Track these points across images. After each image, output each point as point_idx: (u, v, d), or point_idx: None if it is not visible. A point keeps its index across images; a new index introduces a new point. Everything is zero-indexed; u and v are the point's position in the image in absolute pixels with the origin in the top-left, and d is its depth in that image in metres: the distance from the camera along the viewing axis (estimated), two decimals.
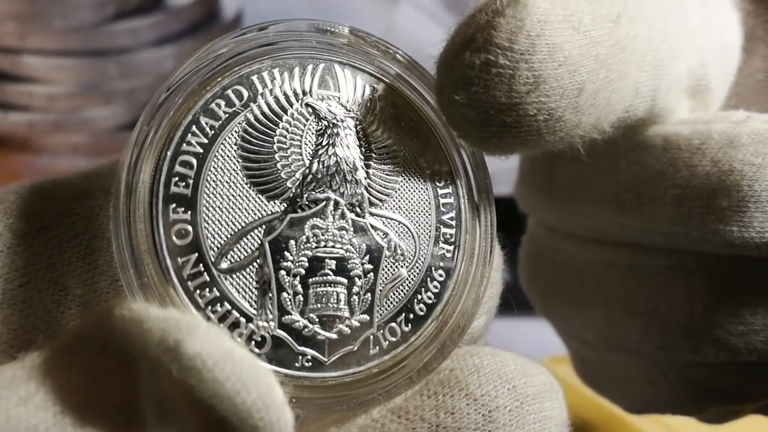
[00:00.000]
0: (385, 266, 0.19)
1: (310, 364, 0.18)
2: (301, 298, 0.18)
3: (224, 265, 0.18)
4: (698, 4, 0.27)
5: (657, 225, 0.25)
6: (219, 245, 0.17)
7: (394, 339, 0.19)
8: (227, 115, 0.18)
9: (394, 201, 0.19)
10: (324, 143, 0.19)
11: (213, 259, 0.17)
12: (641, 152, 0.25)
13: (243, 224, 0.18)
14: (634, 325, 0.27)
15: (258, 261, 0.18)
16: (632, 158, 0.25)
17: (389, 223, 0.19)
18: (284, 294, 0.18)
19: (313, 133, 0.19)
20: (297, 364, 0.18)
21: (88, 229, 0.20)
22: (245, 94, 0.18)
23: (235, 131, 0.18)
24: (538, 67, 0.20)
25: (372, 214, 0.19)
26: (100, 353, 0.17)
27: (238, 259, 0.18)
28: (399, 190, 0.20)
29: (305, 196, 0.18)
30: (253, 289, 0.18)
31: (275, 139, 0.18)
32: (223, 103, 0.18)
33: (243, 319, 0.18)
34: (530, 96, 0.20)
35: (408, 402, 0.19)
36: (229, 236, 0.18)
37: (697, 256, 0.25)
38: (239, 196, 0.18)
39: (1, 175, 0.78)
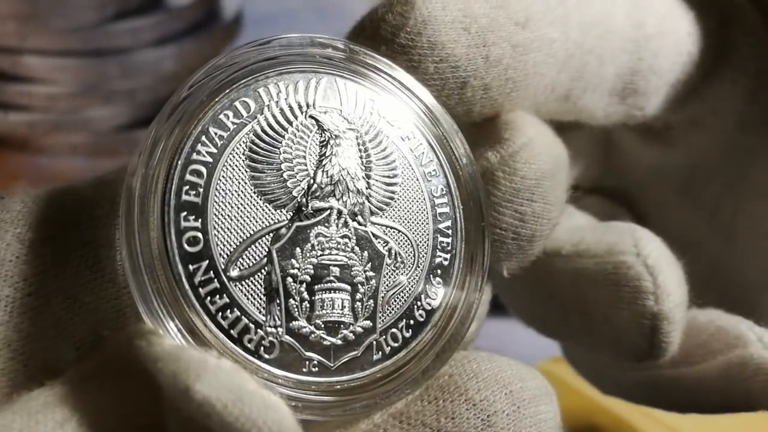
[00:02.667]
0: (387, 273, 0.20)
1: (317, 369, 0.19)
2: (308, 305, 0.19)
3: (234, 272, 0.18)
4: (659, 13, 0.28)
5: None
6: (228, 252, 0.18)
7: (395, 344, 0.20)
8: (235, 126, 0.19)
9: (393, 210, 0.20)
10: (327, 154, 0.20)
11: (223, 267, 0.18)
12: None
13: (251, 232, 0.18)
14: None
15: (266, 268, 0.19)
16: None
17: (389, 231, 0.20)
18: (291, 300, 0.19)
19: (316, 145, 0.20)
20: (304, 369, 0.19)
21: (95, 237, 0.20)
22: (252, 105, 0.19)
23: (243, 142, 0.19)
24: (417, 59, 0.22)
25: (373, 223, 0.20)
26: (126, 377, 0.18)
27: (247, 266, 0.18)
28: (398, 199, 0.20)
29: (310, 205, 0.19)
30: (262, 296, 0.18)
31: (281, 150, 0.19)
32: (231, 114, 0.19)
33: (252, 325, 0.18)
34: None
35: (409, 407, 0.20)
36: (238, 244, 0.18)
37: None
38: (247, 204, 0.19)
39: (1, 175, 0.79)
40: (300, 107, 0.19)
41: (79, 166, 0.78)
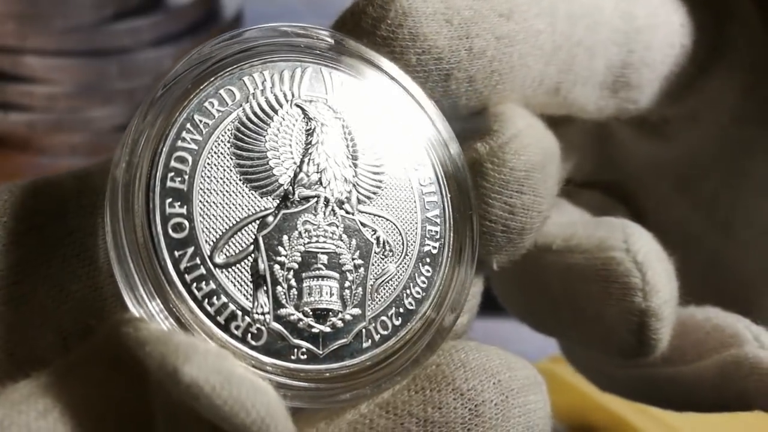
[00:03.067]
0: (375, 261, 0.20)
1: (306, 356, 0.19)
2: (296, 292, 0.19)
3: (220, 258, 0.18)
4: (650, 5, 0.28)
5: None
6: (214, 239, 0.18)
7: (385, 332, 0.20)
8: (220, 114, 0.19)
9: (381, 199, 0.20)
10: (313, 142, 0.20)
11: (209, 253, 0.18)
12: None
13: (237, 219, 0.18)
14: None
15: (252, 255, 0.19)
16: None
17: (377, 220, 0.20)
18: (279, 288, 0.19)
19: (302, 133, 0.20)
20: (293, 357, 0.19)
21: (81, 227, 0.20)
22: (237, 94, 0.19)
23: (228, 129, 0.19)
24: (399, 51, 0.23)
25: (361, 212, 0.20)
26: (113, 367, 0.18)
27: (233, 253, 0.18)
28: (385, 188, 0.21)
29: (297, 193, 0.19)
30: (249, 283, 0.18)
31: (267, 138, 0.19)
32: (216, 102, 0.19)
33: (239, 312, 0.18)
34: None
35: (396, 397, 0.20)
36: (224, 230, 0.18)
37: None
38: (233, 192, 0.19)
39: (1, 175, 0.79)
40: (285, 96, 0.19)
41: (79, 166, 0.78)
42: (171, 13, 0.79)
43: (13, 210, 0.21)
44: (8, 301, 0.20)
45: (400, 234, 0.21)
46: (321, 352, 0.19)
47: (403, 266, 0.20)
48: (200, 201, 0.18)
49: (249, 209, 0.19)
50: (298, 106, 0.19)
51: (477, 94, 0.24)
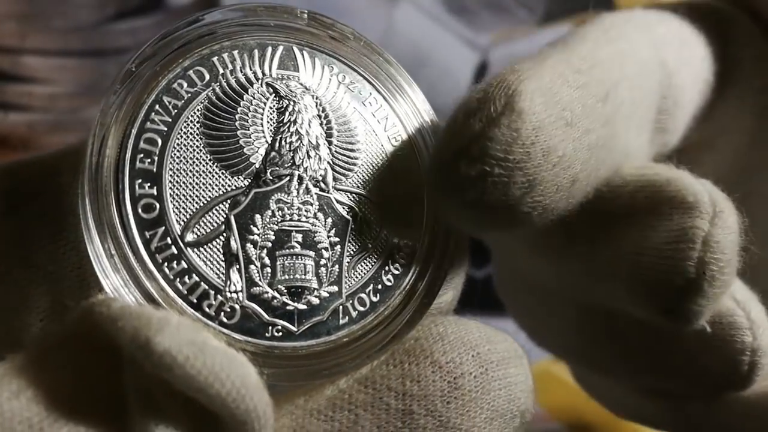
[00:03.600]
0: (352, 239, 0.20)
1: (281, 334, 0.19)
2: (269, 270, 0.19)
3: (190, 237, 0.18)
4: (675, 45, 0.27)
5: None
6: (185, 219, 0.18)
7: (363, 309, 0.20)
8: (189, 95, 0.19)
9: (356, 176, 0.20)
10: (285, 121, 0.20)
11: (179, 233, 0.18)
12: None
13: (208, 199, 0.19)
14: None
15: (224, 234, 0.19)
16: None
17: (353, 197, 0.20)
18: (251, 266, 0.19)
19: (274, 111, 0.20)
20: (267, 335, 0.19)
21: (57, 206, 0.20)
22: (206, 74, 0.19)
23: (197, 110, 0.19)
24: (533, 172, 0.20)
25: (336, 189, 0.20)
26: (86, 349, 0.18)
27: (205, 233, 0.18)
28: (361, 164, 0.20)
29: (269, 171, 0.19)
30: (221, 262, 0.18)
31: (237, 117, 0.19)
32: (185, 83, 0.19)
33: (212, 291, 0.18)
34: (525, 198, 0.20)
35: (374, 372, 0.20)
36: (195, 210, 0.19)
37: None
38: (203, 171, 0.19)
39: None
40: (255, 75, 0.20)
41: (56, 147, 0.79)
42: (171, 13, 0.79)
43: None
44: None
45: (377, 210, 0.20)
46: (296, 330, 0.19)
47: (380, 243, 0.20)
48: (170, 181, 0.18)
49: (220, 189, 0.19)
50: (268, 84, 0.20)
51: (584, 189, 0.22)
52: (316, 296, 0.19)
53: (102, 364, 0.18)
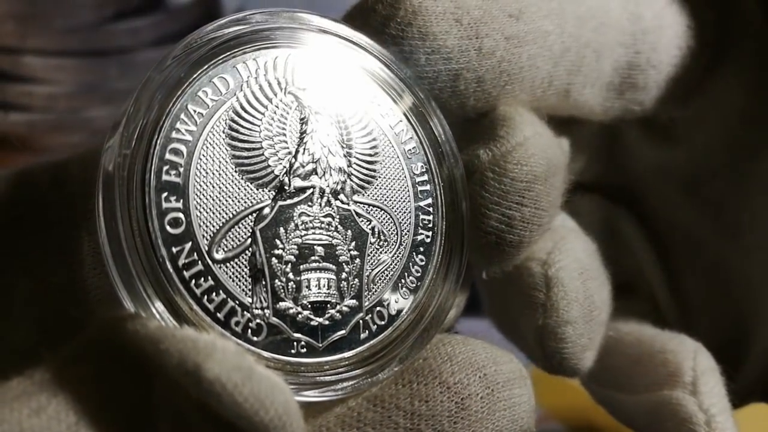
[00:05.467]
0: (371, 252, 0.20)
1: (305, 350, 0.19)
2: (294, 285, 0.19)
3: (219, 254, 0.18)
4: (656, 6, 0.28)
5: None
6: (212, 234, 0.18)
7: (382, 323, 0.20)
8: (214, 103, 0.18)
9: (375, 189, 0.21)
10: (308, 131, 0.20)
11: (207, 248, 0.18)
12: None
13: (234, 212, 0.18)
14: None
15: (250, 249, 0.19)
16: None
17: (372, 210, 0.20)
18: (277, 281, 0.19)
19: (297, 122, 0.20)
20: (293, 351, 0.19)
21: (63, 217, 0.21)
22: (231, 82, 0.19)
23: (223, 119, 0.19)
24: (408, 50, 0.22)
25: (355, 202, 0.20)
26: (110, 363, 0.18)
27: (231, 248, 0.18)
28: (379, 177, 0.21)
29: (292, 184, 0.19)
30: (247, 277, 0.18)
31: (262, 127, 0.19)
32: (209, 91, 0.18)
33: (239, 308, 0.18)
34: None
35: (383, 390, 0.20)
36: (221, 224, 0.18)
37: None
38: (229, 184, 0.19)
39: None
40: (279, 84, 0.20)
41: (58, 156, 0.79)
42: (171, 13, 0.80)
43: None
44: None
45: (395, 224, 0.21)
46: (320, 345, 0.19)
47: (397, 256, 0.21)
48: (196, 194, 0.18)
49: (245, 202, 0.19)
50: (291, 93, 0.19)
51: (485, 95, 0.24)
52: (338, 311, 0.19)
53: (126, 380, 0.18)
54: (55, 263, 0.21)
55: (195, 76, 0.18)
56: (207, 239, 0.18)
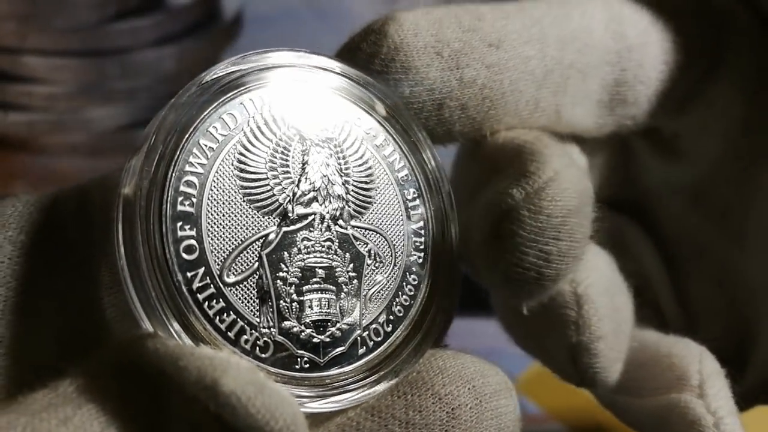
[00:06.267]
0: (367, 273, 0.22)
1: (308, 365, 0.21)
2: (297, 305, 0.21)
3: (228, 278, 0.20)
4: (640, 24, 0.30)
5: None
6: (222, 259, 0.20)
7: (378, 339, 0.22)
8: (223, 138, 0.20)
9: (371, 214, 0.23)
10: (309, 162, 0.22)
11: (218, 273, 0.20)
12: None
13: (242, 239, 0.20)
14: None
15: (257, 273, 0.20)
16: None
17: (368, 234, 0.22)
18: (282, 302, 0.21)
19: (299, 153, 0.21)
20: (297, 366, 0.21)
21: (83, 240, 0.22)
22: (238, 118, 0.21)
23: (231, 153, 0.20)
24: (393, 84, 0.24)
25: (353, 226, 0.22)
26: (131, 379, 0.19)
27: (240, 272, 0.20)
28: (375, 203, 0.23)
29: (295, 211, 0.21)
30: (255, 299, 0.20)
31: (267, 159, 0.21)
32: (219, 126, 0.20)
33: (248, 327, 0.20)
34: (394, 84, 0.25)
35: (380, 401, 0.22)
36: (231, 250, 0.20)
37: None
38: (238, 212, 0.20)
39: (1, 175, 0.80)
40: (282, 118, 0.21)
41: (79, 166, 0.79)
42: (171, 13, 0.80)
43: (18, 223, 0.22)
44: (16, 310, 0.22)
45: (389, 246, 0.23)
46: (322, 361, 0.21)
47: (392, 276, 0.22)
48: (208, 223, 0.20)
49: (253, 229, 0.20)
50: (293, 127, 0.21)
51: (470, 121, 0.25)
52: (337, 329, 0.21)
53: (145, 395, 0.19)
54: (73, 283, 0.22)
55: (206, 112, 0.20)
56: (218, 264, 0.20)
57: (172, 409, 0.19)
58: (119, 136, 0.79)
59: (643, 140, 0.33)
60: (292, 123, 0.21)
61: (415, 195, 0.23)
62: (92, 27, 0.78)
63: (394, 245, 0.23)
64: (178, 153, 0.19)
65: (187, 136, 0.20)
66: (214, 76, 0.20)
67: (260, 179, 0.21)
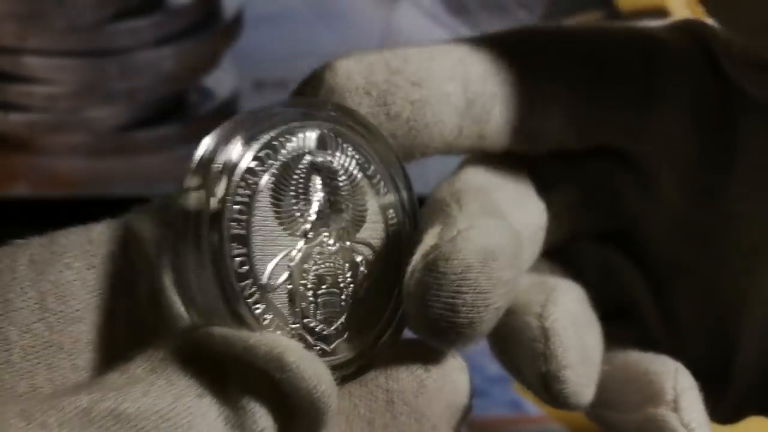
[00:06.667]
0: (363, 278, 0.27)
1: (321, 352, 0.26)
2: (314, 306, 0.26)
3: (269, 286, 0.25)
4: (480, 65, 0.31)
5: None
6: (264, 271, 0.25)
7: (368, 328, 0.27)
8: (261, 171, 0.25)
9: (365, 230, 0.27)
10: (326, 191, 0.27)
11: (262, 282, 0.25)
12: None
13: (278, 255, 0.25)
14: None
15: (288, 282, 0.25)
16: None
17: (363, 247, 0.27)
18: (303, 303, 0.26)
19: (318, 184, 0.26)
20: (313, 353, 0.25)
21: (147, 266, 0.25)
22: (271, 154, 0.26)
23: (267, 186, 0.25)
24: None
25: (352, 241, 0.27)
26: (197, 363, 0.23)
27: (276, 281, 0.25)
28: (367, 221, 0.27)
29: (314, 230, 0.26)
30: (286, 302, 0.25)
31: (291, 190, 0.26)
32: (256, 163, 0.25)
33: (282, 324, 0.25)
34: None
35: (368, 374, 0.27)
36: (272, 266, 0.25)
37: None
38: (274, 234, 0.25)
39: (1, 175, 0.80)
40: (303, 154, 0.26)
41: (79, 166, 0.80)
42: (171, 13, 0.80)
43: (100, 250, 0.25)
44: (102, 314, 0.25)
45: (378, 255, 0.27)
46: (329, 348, 0.26)
47: (379, 278, 0.27)
48: (255, 243, 0.25)
49: (284, 248, 0.25)
50: (313, 163, 0.26)
51: (401, 147, 0.29)
52: (340, 323, 0.26)
53: (208, 375, 0.23)
54: (145, 304, 0.25)
55: (249, 150, 0.25)
56: (261, 275, 0.25)
57: (233, 388, 0.22)
58: (119, 136, 0.80)
59: (627, 171, 0.34)
60: (312, 159, 0.26)
61: (394, 214, 0.28)
62: (92, 27, 0.79)
63: (383, 255, 0.28)
64: (232, 186, 0.24)
65: (234, 170, 0.24)
66: (247, 119, 0.25)
67: (288, 207, 0.26)
